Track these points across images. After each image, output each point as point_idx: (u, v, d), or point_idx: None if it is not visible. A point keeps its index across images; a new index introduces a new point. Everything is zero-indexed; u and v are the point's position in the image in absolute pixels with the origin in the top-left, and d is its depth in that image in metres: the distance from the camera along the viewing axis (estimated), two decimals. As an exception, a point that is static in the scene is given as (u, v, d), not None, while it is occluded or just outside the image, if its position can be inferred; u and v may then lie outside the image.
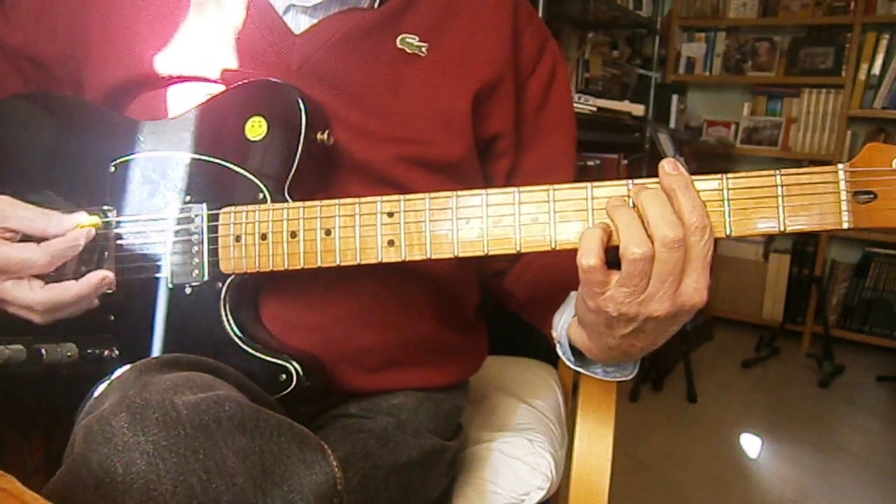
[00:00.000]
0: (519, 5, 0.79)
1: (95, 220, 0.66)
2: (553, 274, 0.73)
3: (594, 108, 2.26)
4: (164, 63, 0.71)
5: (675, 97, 3.20)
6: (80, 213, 0.65)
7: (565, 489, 0.85)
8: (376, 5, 0.73)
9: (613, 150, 2.50)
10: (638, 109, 2.56)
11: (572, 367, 0.66)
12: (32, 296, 0.62)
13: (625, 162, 2.52)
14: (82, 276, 0.64)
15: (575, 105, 2.23)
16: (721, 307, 3.52)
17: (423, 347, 0.77)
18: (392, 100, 0.71)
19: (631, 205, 0.53)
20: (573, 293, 0.65)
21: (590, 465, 0.82)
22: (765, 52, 3.46)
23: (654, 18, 3.04)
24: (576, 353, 0.65)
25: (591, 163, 2.36)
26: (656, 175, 0.54)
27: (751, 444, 2.28)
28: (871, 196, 0.51)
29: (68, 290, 0.63)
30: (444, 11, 0.75)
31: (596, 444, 0.82)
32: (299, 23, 0.72)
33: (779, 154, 3.44)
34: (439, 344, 0.79)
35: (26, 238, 0.63)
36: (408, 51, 0.73)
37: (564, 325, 0.65)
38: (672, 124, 3.18)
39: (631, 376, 0.65)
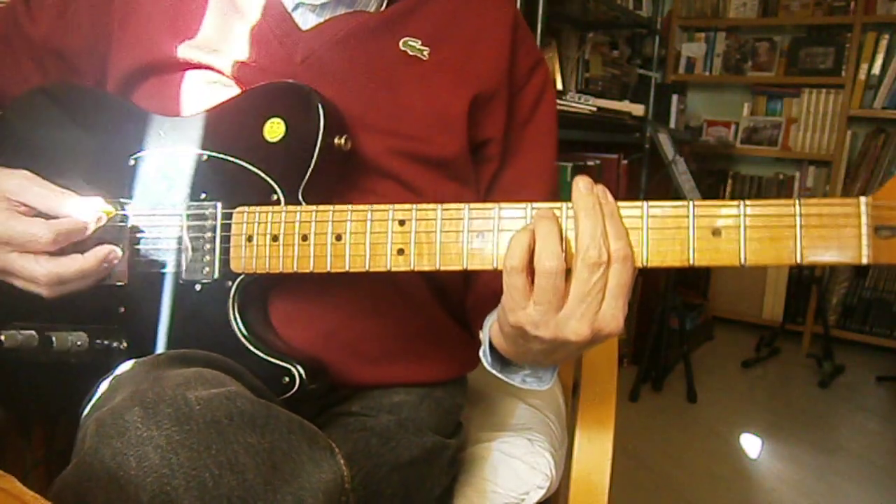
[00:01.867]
0: (518, 23, 0.81)
1: (109, 208, 0.66)
2: (498, 284, 0.75)
3: (594, 108, 2.26)
4: (173, 51, 0.72)
5: (675, 97, 3.20)
6: (97, 198, 0.65)
7: (565, 489, 0.86)
8: (382, 8, 0.76)
9: (613, 150, 2.50)
10: (638, 109, 2.56)
11: (490, 369, 0.67)
12: (37, 267, 0.62)
13: (625, 162, 2.52)
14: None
15: (575, 105, 2.24)
16: (721, 307, 3.52)
17: (420, 338, 0.78)
18: (391, 96, 0.73)
19: (565, 217, 0.54)
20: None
21: (590, 465, 0.82)
22: (765, 52, 3.47)
23: (654, 18, 3.04)
24: (497, 357, 0.67)
25: (591, 163, 2.36)
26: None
27: (751, 444, 2.28)
28: (893, 232, 0.49)
29: (73, 262, 0.63)
30: (447, 19, 0.77)
31: (596, 444, 0.83)
32: (307, 20, 0.74)
33: (779, 154, 3.44)
34: (437, 336, 0.80)
35: (40, 215, 0.63)
36: (409, 53, 0.75)
37: (489, 326, 0.66)
38: (672, 124, 3.18)
39: (547, 387, 0.67)
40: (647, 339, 2.67)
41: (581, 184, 0.53)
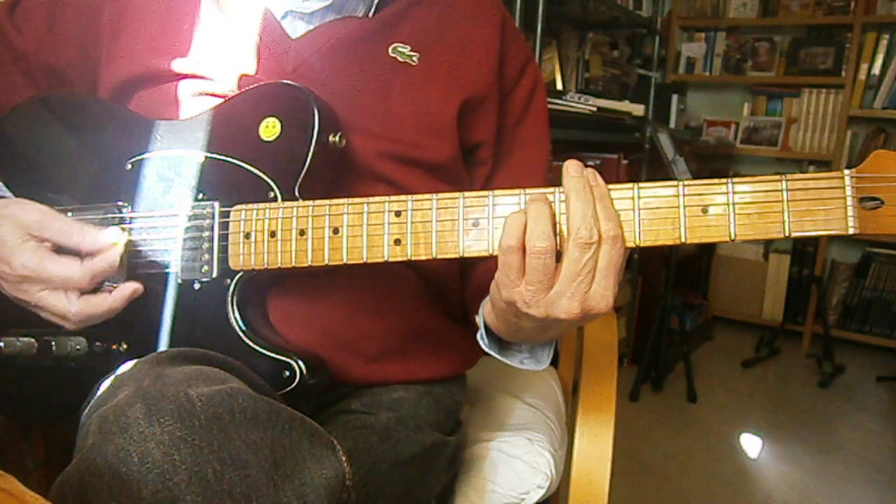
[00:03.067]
0: (505, 24, 0.82)
1: (125, 237, 0.67)
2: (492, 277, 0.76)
3: (594, 108, 2.26)
4: (164, 61, 0.73)
5: (675, 97, 3.20)
6: (113, 228, 0.67)
7: (565, 489, 0.85)
8: (371, 14, 0.76)
9: (613, 150, 2.50)
10: (638, 109, 2.56)
11: (487, 350, 0.68)
12: (69, 307, 0.64)
13: (625, 162, 2.52)
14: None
15: (575, 105, 2.23)
16: (721, 307, 3.52)
17: (419, 335, 0.78)
18: (382, 102, 0.74)
19: (557, 202, 0.55)
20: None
21: (590, 465, 0.82)
22: (765, 52, 3.47)
23: (654, 18, 3.04)
24: (494, 338, 0.68)
25: (591, 163, 2.36)
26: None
27: (751, 444, 2.28)
28: (878, 202, 0.51)
29: (103, 302, 0.65)
30: (436, 24, 0.78)
31: (596, 444, 0.83)
32: (296, 28, 0.75)
33: (779, 154, 3.44)
34: (435, 333, 0.80)
35: (62, 250, 0.65)
36: (399, 59, 0.75)
37: (482, 307, 0.68)
38: (672, 124, 3.18)
39: (543, 367, 0.68)
40: (647, 339, 2.67)
41: (571, 167, 0.54)
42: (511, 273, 0.54)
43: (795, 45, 3.36)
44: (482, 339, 0.69)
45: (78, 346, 0.69)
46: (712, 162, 3.61)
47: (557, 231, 0.54)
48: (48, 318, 0.65)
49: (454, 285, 0.83)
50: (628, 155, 2.58)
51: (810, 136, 3.33)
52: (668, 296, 2.63)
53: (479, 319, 0.69)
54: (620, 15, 2.74)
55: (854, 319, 3.27)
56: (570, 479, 0.83)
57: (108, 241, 0.65)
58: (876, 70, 3.13)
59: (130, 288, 0.66)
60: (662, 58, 3.49)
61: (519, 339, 0.65)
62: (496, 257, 0.57)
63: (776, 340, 3.17)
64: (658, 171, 2.61)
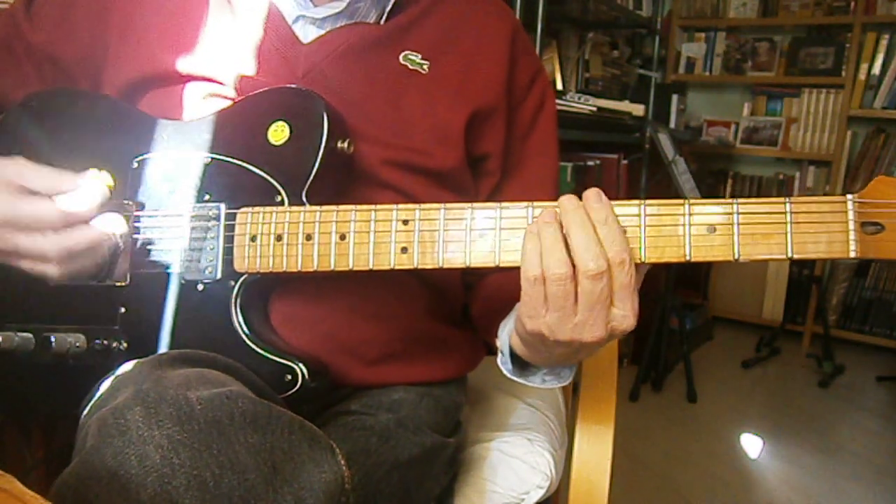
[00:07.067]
0: (516, 35, 0.82)
1: (109, 181, 0.65)
2: (507, 292, 0.74)
3: (594, 108, 2.26)
4: (174, 63, 0.73)
5: (675, 97, 3.19)
6: (92, 170, 0.65)
7: (565, 489, 0.86)
8: (382, 21, 0.76)
9: (613, 150, 2.50)
10: (638, 109, 2.56)
11: (510, 376, 0.68)
12: (45, 242, 0.61)
13: (625, 162, 2.52)
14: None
15: (575, 105, 2.24)
16: (721, 307, 3.52)
17: (420, 340, 0.78)
18: (391, 110, 0.74)
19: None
20: (517, 305, 0.66)
21: (590, 465, 0.82)
22: (765, 52, 3.47)
23: (654, 18, 3.04)
24: (516, 361, 0.68)
25: (591, 163, 2.36)
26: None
27: (751, 444, 2.28)
28: (879, 227, 0.52)
29: (80, 233, 0.63)
30: (447, 33, 0.78)
31: (596, 444, 0.83)
32: (307, 33, 0.75)
33: (779, 154, 3.44)
34: (436, 337, 0.80)
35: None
36: (410, 67, 0.75)
37: (507, 333, 0.67)
38: (672, 124, 3.18)
39: (566, 383, 0.68)
40: (647, 339, 2.67)
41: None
42: (537, 304, 0.54)
43: (795, 45, 3.36)
44: (504, 365, 0.68)
45: (77, 344, 0.68)
46: (712, 162, 3.61)
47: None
48: (30, 267, 0.62)
49: (457, 289, 0.83)
50: (628, 155, 2.58)
51: (810, 137, 3.33)
52: (668, 296, 2.63)
53: (499, 344, 0.69)
54: (620, 15, 2.74)
55: (854, 319, 3.27)
56: (570, 479, 0.83)
57: (85, 180, 0.63)
58: (876, 70, 3.13)
59: (110, 217, 0.64)
60: (662, 58, 3.49)
61: (550, 364, 0.65)
62: (503, 270, 0.57)
63: (776, 340, 3.17)
64: (658, 171, 2.61)
